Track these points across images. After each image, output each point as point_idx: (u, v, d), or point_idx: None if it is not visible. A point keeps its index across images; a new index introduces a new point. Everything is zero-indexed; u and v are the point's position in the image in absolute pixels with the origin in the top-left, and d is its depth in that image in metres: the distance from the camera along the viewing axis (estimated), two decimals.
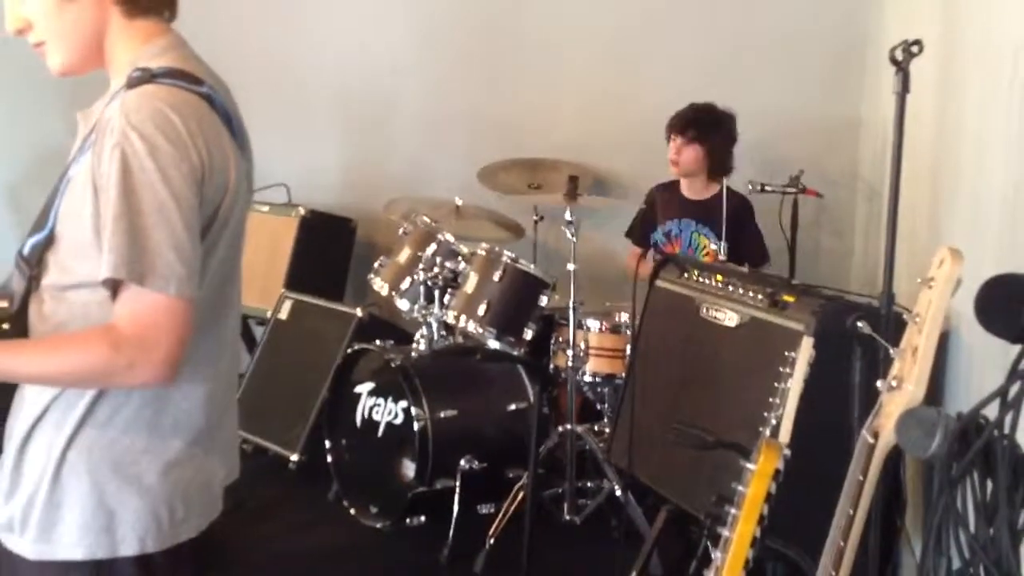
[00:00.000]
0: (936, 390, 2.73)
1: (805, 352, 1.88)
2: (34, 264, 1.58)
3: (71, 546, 1.56)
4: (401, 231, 3.98)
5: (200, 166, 1.50)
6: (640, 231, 4.27)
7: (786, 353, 1.91)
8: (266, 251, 4.67)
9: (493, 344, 3.60)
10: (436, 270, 3.75)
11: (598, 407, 3.93)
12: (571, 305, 3.61)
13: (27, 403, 1.59)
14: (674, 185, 4.22)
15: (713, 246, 4.02)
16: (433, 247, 3.81)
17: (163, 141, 1.47)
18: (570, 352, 3.63)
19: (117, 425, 1.56)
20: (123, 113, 1.49)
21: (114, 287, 1.47)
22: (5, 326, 1.57)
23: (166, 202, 1.46)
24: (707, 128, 4.03)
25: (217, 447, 1.68)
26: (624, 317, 3.76)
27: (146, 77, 1.54)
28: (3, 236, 4.29)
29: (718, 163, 4.07)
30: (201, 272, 1.54)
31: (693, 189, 4.17)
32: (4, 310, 1.58)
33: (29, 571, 1.59)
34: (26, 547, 1.58)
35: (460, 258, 3.77)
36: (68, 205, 1.54)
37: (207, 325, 1.61)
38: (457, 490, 3.54)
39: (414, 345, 3.79)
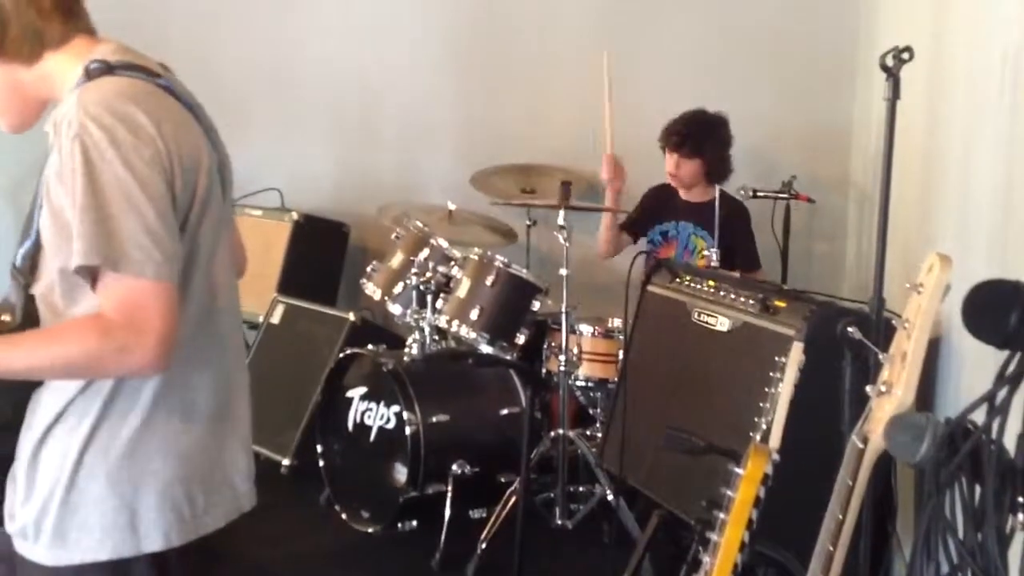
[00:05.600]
0: (927, 396, 2.74)
1: (796, 357, 1.88)
2: (27, 273, 1.58)
3: (92, 548, 1.56)
4: (394, 236, 3.98)
5: (165, 151, 1.50)
6: (634, 225, 4.25)
7: (777, 358, 1.91)
8: (259, 255, 4.59)
9: (485, 349, 3.60)
10: (429, 275, 3.75)
11: (590, 412, 3.93)
12: (564, 310, 3.61)
13: (41, 410, 1.59)
14: (671, 186, 4.23)
15: (706, 252, 4.02)
16: (426, 252, 3.81)
17: (122, 129, 1.47)
18: (562, 357, 3.63)
19: (131, 425, 1.57)
20: (80, 105, 1.49)
21: (92, 277, 1.47)
22: None
23: (132, 189, 1.45)
24: (702, 140, 4.04)
25: (231, 437, 1.69)
26: (617, 322, 3.77)
27: (105, 68, 1.54)
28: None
29: (717, 170, 4.08)
30: (191, 260, 1.55)
31: (691, 192, 4.18)
32: (7, 323, 1.58)
33: None
34: (40, 553, 1.58)
35: (453, 263, 3.77)
36: (46, 208, 1.54)
37: (201, 316, 1.62)
38: (449, 495, 3.54)
39: (406, 350, 3.79)
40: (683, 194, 4.20)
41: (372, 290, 3.94)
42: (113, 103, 1.49)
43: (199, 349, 1.61)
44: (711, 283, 3.10)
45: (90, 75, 1.54)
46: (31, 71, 1.60)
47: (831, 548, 1.48)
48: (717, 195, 3.86)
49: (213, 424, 1.64)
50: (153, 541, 1.58)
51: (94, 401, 1.55)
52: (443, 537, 3.50)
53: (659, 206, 4.24)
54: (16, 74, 1.60)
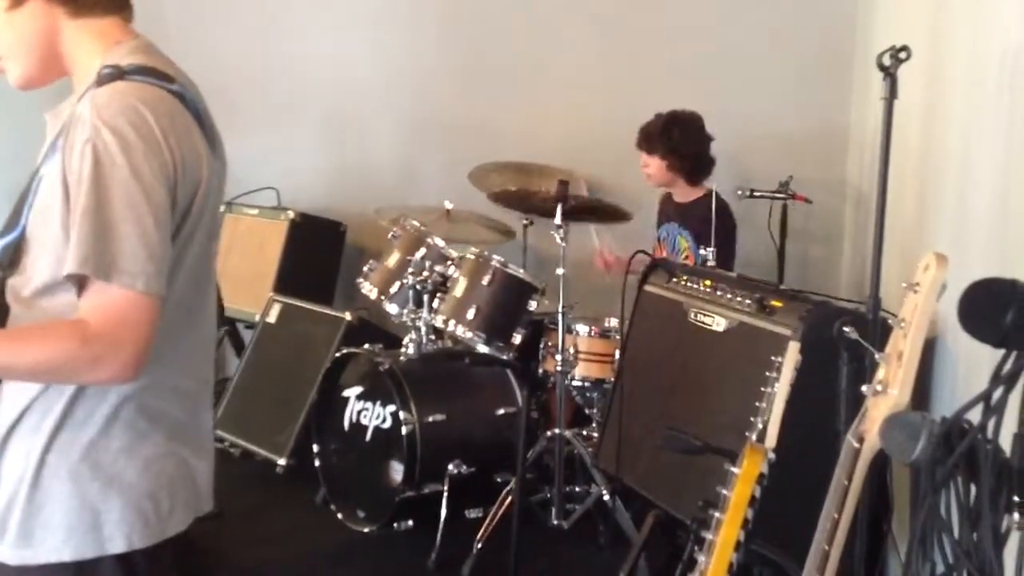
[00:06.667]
0: (923, 395, 2.74)
1: (792, 357, 1.88)
2: (7, 265, 1.57)
3: (56, 549, 1.55)
4: (390, 235, 3.98)
5: (171, 162, 1.50)
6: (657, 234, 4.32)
7: (773, 358, 1.91)
8: (255, 254, 4.66)
9: (482, 348, 3.59)
10: (425, 274, 3.74)
11: (587, 412, 3.93)
12: (560, 309, 3.61)
13: (4, 409, 1.58)
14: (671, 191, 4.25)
15: (702, 251, 4.01)
16: (422, 251, 3.80)
17: (135, 136, 1.46)
18: (559, 356, 3.63)
19: (95, 425, 1.56)
20: (94, 109, 1.48)
21: (80, 282, 1.45)
22: None
23: (136, 197, 1.45)
24: (657, 139, 4.05)
25: (194, 442, 1.67)
26: (613, 322, 3.77)
27: (116, 73, 1.54)
28: None
29: (685, 168, 4.08)
30: (175, 269, 1.54)
31: (680, 193, 4.19)
32: None
33: None
34: (6, 553, 1.57)
35: (449, 262, 3.77)
36: (40, 205, 1.53)
37: (182, 323, 1.60)
38: (445, 494, 3.54)
39: (403, 349, 3.79)
40: (675, 196, 4.20)
41: (368, 289, 3.94)
42: (127, 109, 1.48)
43: (174, 359, 1.60)
44: (707, 283, 3.10)
45: (101, 81, 1.53)
46: (72, 24, 1.60)
47: (827, 547, 1.48)
48: (714, 194, 3.85)
49: (180, 428, 1.63)
50: (116, 543, 1.56)
51: (58, 399, 1.54)
52: (439, 537, 3.49)
53: (661, 210, 4.28)
54: (57, 19, 1.59)
